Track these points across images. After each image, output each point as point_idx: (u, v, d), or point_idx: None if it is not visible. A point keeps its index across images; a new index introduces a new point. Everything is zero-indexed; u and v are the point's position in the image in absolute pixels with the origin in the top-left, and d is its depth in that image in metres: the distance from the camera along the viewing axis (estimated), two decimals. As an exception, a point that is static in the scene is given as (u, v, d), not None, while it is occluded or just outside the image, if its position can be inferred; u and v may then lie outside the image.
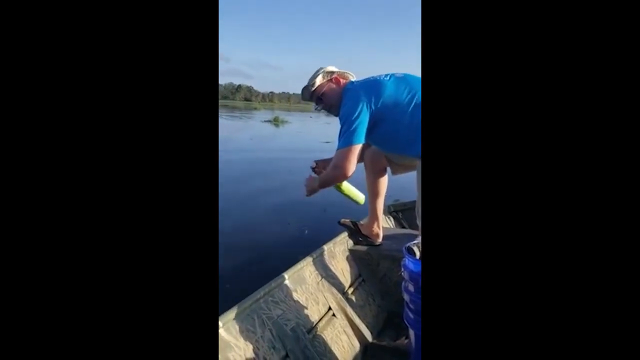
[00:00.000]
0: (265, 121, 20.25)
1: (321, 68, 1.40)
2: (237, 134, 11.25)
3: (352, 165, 1.25)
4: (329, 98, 1.37)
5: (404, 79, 1.28)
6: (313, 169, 1.52)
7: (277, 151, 7.81)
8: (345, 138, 1.22)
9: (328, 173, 1.32)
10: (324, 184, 1.34)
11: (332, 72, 1.37)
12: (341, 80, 1.37)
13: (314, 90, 1.38)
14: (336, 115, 1.34)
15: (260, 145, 9.00)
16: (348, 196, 1.52)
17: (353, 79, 1.40)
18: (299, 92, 1.46)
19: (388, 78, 1.28)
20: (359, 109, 1.22)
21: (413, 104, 1.22)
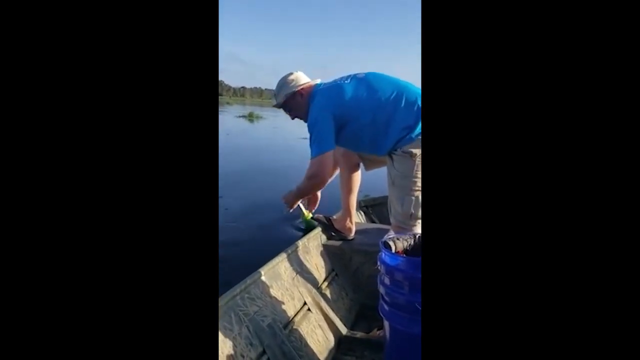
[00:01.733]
0: (239, 116, 19.92)
1: (284, 79, 1.42)
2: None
3: (328, 173, 1.29)
4: (296, 110, 1.42)
5: (365, 79, 1.33)
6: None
7: (261, 148, 7.89)
8: (316, 147, 1.27)
9: (305, 184, 1.34)
10: (302, 195, 1.38)
11: (294, 90, 1.39)
12: (305, 91, 1.39)
13: (282, 105, 1.43)
14: (307, 122, 1.37)
15: (239, 140, 9.03)
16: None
17: (318, 82, 1.43)
18: (272, 87, 1.49)
19: (349, 81, 1.33)
20: (323, 116, 1.27)
21: (375, 103, 1.26)
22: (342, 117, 1.27)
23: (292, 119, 1.47)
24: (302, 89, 1.38)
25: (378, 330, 1.33)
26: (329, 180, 1.33)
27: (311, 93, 1.36)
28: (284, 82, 1.41)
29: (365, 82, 1.30)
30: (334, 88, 1.32)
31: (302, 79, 1.41)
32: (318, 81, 1.43)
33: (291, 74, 1.42)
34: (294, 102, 1.40)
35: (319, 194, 1.55)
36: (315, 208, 1.60)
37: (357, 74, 1.35)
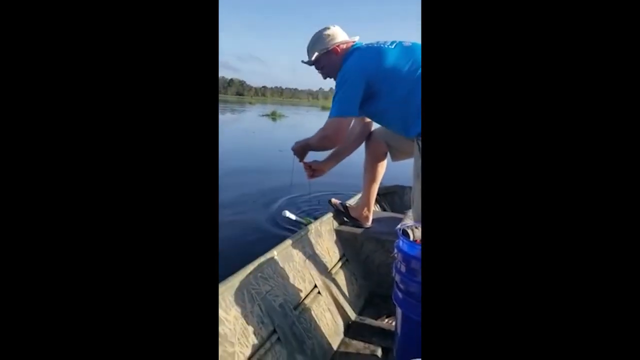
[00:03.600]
0: (262, 115, 20.15)
1: (319, 34, 1.31)
2: (238, 127, 11.45)
3: (341, 138, 1.23)
4: (329, 70, 1.32)
5: (411, 48, 1.21)
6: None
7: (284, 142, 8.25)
8: (337, 107, 1.20)
9: (316, 141, 1.30)
10: (311, 149, 1.36)
11: (328, 47, 1.28)
12: (340, 48, 1.28)
13: (314, 62, 1.34)
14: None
15: (265, 137, 9.31)
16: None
17: (357, 40, 1.32)
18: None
19: (393, 46, 1.21)
20: (354, 78, 1.18)
21: (414, 77, 1.16)
22: (375, 85, 1.18)
23: (324, 78, 1.35)
24: (338, 46, 1.27)
25: (387, 317, 1.35)
26: (340, 144, 1.27)
27: (348, 51, 1.25)
28: (319, 36, 1.29)
29: (410, 52, 1.18)
30: (375, 50, 1.20)
31: (340, 35, 1.29)
32: (357, 39, 1.31)
33: (328, 28, 1.31)
34: (327, 60, 1.28)
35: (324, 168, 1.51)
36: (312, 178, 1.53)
37: (404, 41, 1.22)
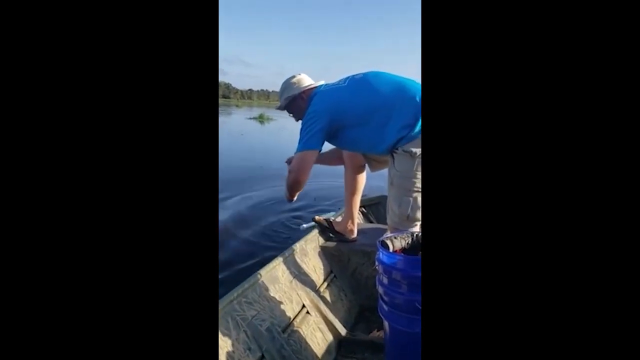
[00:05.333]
0: (250, 118, 20.20)
1: (287, 82, 1.44)
2: (227, 129, 11.47)
3: (305, 170, 1.30)
4: (298, 113, 1.43)
5: (363, 80, 1.32)
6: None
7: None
8: (301, 143, 1.29)
9: (287, 177, 1.37)
10: (289, 189, 1.39)
11: (295, 94, 1.40)
12: (306, 94, 1.40)
13: (284, 108, 1.45)
14: None
15: (254, 138, 9.41)
16: None
17: (321, 83, 1.44)
18: (278, 90, 1.50)
19: (346, 84, 1.33)
20: (317, 116, 1.28)
21: (371, 105, 1.27)
22: (338, 121, 1.29)
23: (297, 121, 1.48)
24: (303, 92, 1.39)
25: (377, 331, 1.33)
26: (305, 180, 1.34)
27: (310, 94, 1.38)
28: (286, 85, 1.43)
29: (363, 83, 1.31)
30: (331, 92, 1.34)
31: (305, 81, 1.42)
32: (322, 82, 1.44)
33: (294, 76, 1.43)
34: (295, 105, 1.41)
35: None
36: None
37: (355, 75, 1.36)
